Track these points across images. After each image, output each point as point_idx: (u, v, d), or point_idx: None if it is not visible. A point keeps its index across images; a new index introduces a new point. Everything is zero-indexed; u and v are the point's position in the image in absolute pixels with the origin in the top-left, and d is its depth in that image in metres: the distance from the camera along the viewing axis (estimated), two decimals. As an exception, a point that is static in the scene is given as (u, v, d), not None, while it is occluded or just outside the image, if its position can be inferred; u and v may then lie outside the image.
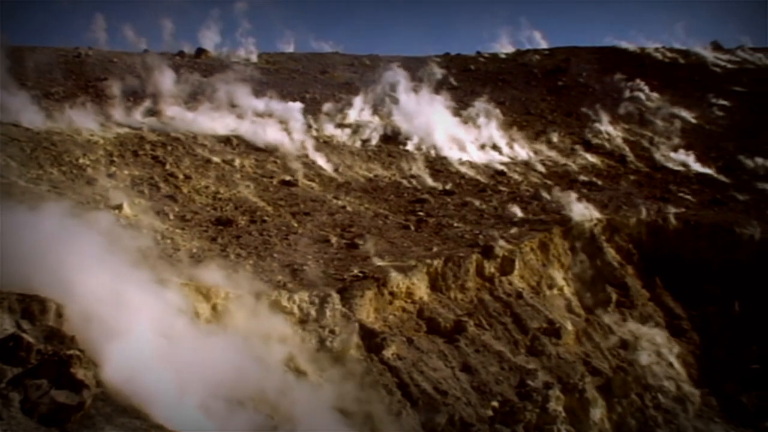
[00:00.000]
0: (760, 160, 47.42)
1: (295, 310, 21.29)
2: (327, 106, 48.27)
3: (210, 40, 64.75)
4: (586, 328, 27.52)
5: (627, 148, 50.41)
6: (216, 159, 35.36)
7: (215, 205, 30.31)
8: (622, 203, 35.91)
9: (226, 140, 38.22)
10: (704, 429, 24.61)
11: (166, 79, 45.38)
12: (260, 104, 43.99)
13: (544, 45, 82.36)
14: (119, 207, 25.87)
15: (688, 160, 47.71)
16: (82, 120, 35.12)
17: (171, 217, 27.51)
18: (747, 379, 27.24)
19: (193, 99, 42.91)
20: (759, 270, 30.85)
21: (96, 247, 16.28)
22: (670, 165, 47.17)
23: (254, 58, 63.66)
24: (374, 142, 44.52)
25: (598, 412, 22.95)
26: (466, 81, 61.79)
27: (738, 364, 27.95)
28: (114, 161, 31.95)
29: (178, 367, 14.49)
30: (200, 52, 61.79)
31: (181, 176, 32.25)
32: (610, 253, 31.73)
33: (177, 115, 39.66)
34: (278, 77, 54.99)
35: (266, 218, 29.63)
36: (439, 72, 60.89)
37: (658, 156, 48.76)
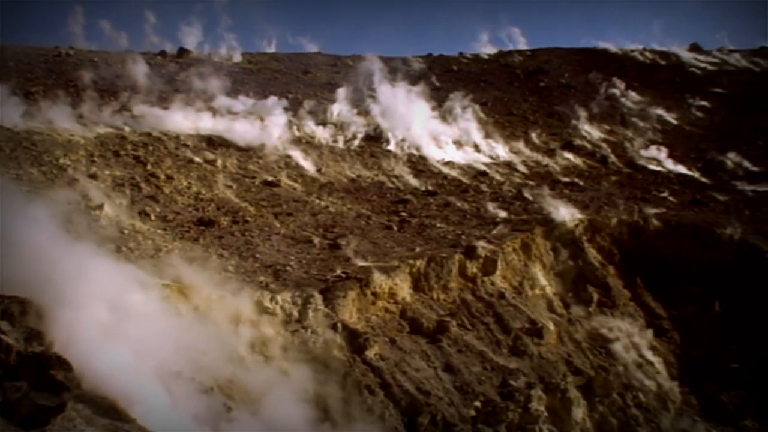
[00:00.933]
0: (739, 161, 47.85)
1: (278, 310, 21.24)
2: (309, 106, 48.20)
3: (192, 39, 64.56)
4: (568, 327, 27.61)
5: (608, 149, 50.65)
6: (198, 159, 35.23)
7: (197, 206, 30.20)
8: (603, 204, 36.05)
9: (208, 140, 38.10)
10: (685, 427, 24.74)
11: (147, 79, 45.18)
12: (242, 104, 43.87)
13: (526, 46, 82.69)
14: (100, 207, 25.75)
15: (668, 160, 48.03)
16: (63, 120, 34.91)
17: (152, 217, 27.39)
18: (727, 378, 27.40)
19: (174, 99, 42.69)
20: (738, 270, 31.07)
21: (78, 248, 16.18)
22: (651, 166, 47.45)
23: (236, 58, 63.52)
24: (357, 142, 44.52)
25: (579, 412, 23.02)
26: (449, 82, 61.94)
27: (718, 363, 28.12)
28: (95, 161, 31.78)
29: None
30: (182, 51, 61.56)
31: (162, 176, 32.11)
32: (592, 253, 31.84)
33: (158, 115, 39.47)
34: (261, 77, 54.91)
35: (248, 219, 29.55)
36: (421, 73, 60.98)
37: (638, 157, 49.03)
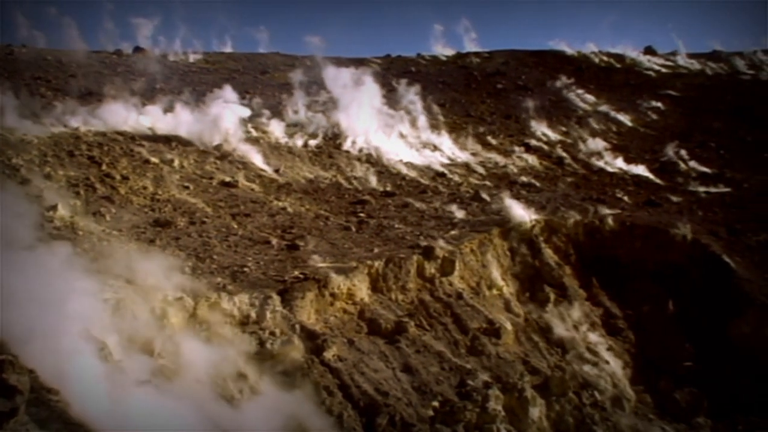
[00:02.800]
0: (692, 163, 48.72)
1: (235, 312, 21.09)
2: (267, 107, 48.03)
3: (148, 38, 64.07)
4: (525, 327, 27.77)
5: (564, 151, 51.20)
6: (154, 159, 34.85)
7: (153, 207, 29.85)
8: (560, 204, 36.38)
9: (164, 140, 37.73)
10: (639, 426, 25.00)
11: (103, 78, 44.66)
12: (200, 104, 43.50)
13: (483, 48, 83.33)
14: (54, 208, 25.35)
15: (623, 162, 48.70)
16: (15, 119, 34.31)
17: (108, 218, 27.02)
18: (680, 377, 27.80)
19: (130, 98, 42.20)
20: (691, 270, 31.59)
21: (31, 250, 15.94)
22: (607, 167, 48.06)
23: (192, 57, 63.12)
24: (315, 143, 44.46)
25: (536, 411, 23.13)
26: (407, 83, 62.04)
27: (672, 362, 28.50)
28: (48, 161, 31.25)
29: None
30: (138, 50, 61.03)
31: (118, 177, 31.70)
32: (548, 253, 32.09)
33: (114, 115, 39.01)
34: (218, 77, 54.56)
35: (206, 220, 29.30)
36: (379, 73, 61.08)
37: (594, 158, 49.63)
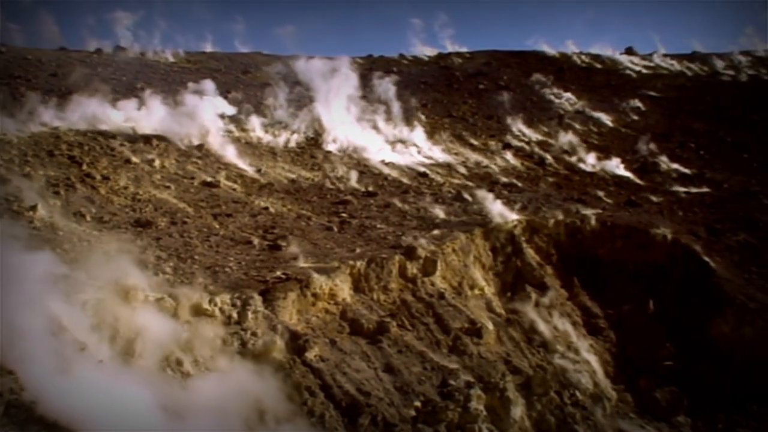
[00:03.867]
0: (672, 164, 49.03)
1: (217, 312, 21.03)
2: (249, 107, 47.89)
3: (128, 38, 63.78)
4: (507, 327, 27.85)
5: (546, 151, 51.37)
6: (135, 159, 34.69)
7: (134, 207, 29.70)
8: (541, 205, 36.52)
9: (145, 140, 37.53)
10: (620, 425, 25.17)
11: (83, 77, 44.37)
12: (181, 103, 43.25)
13: (464, 48, 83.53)
14: (33, 208, 25.18)
15: (604, 162, 48.90)
16: (-6, 118, 34.07)
17: (88, 218, 26.86)
18: (661, 376, 28.00)
19: (110, 97, 41.94)
20: (672, 269, 31.82)
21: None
22: (588, 167, 48.26)
23: (173, 56, 62.82)
24: (297, 143, 44.38)
25: (518, 410, 23.23)
26: (389, 83, 62.01)
27: (652, 361, 28.70)
28: (28, 161, 31.06)
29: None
30: (118, 49, 60.68)
31: (98, 177, 31.52)
32: (530, 253, 32.20)
33: (94, 114, 38.78)
34: (199, 77, 54.23)
35: (187, 220, 29.18)
36: (361, 74, 61.00)
37: (575, 158, 49.83)
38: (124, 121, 39.35)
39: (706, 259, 31.50)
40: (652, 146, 51.70)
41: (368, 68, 67.99)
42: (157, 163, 35.11)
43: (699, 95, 68.70)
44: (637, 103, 64.87)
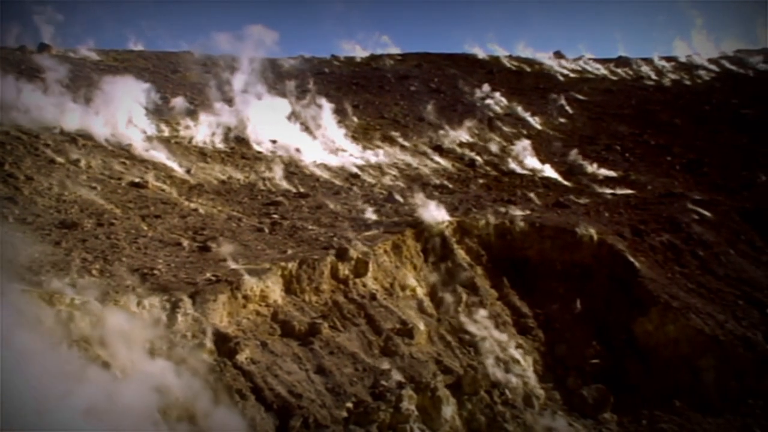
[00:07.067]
0: (598, 166, 50.05)
1: (145, 315, 20.65)
2: (178, 107, 47.26)
3: (52, 36, 62.35)
4: (438, 327, 28.02)
5: (476, 153, 51.92)
6: (60, 159, 33.88)
7: (59, 208, 28.98)
8: (471, 206, 36.87)
9: (71, 140, 36.68)
10: (548, 422, 25.49)
11: (5, 75, 43.10)
12: (107, 102, 42.35)
13: (396, 50, 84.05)
14: (-48, 209, 24.44)
15: (533, 164, 49.68)
16: None
17: (10, 220, 26.14)
18: (587, 374, 28.51)
19: (34, 96, 40.84)
20: (598, 269, 32.46)
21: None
22: (517, 169, 48.94)
23: (100, 55, 61.61)
24: (227, 143, 43.95)
25: (449, 410, 23.36)
26: (321, 84, 62.03)
27: (579, 359, 29.20)
28: (-54, 161, 30.13)
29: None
30: (43, 47, 59.28)
31: (21, 177, 30.68)
32: (461, 254, 32.46)
33: (18, 113, 37.72)
34: (127, 75, 53.25)
35: (114, 221, 28.60)
36: (293, 74, 60.81)
37: (505, 160, 50.48)
38: (48, 120, 38.34)
39: (631, 259, 32.21)
40: (579, 149, 52.73)
41: (300, 69, 67.82)
42: (83, 163, 34.34)
43: (624, 99, 70.42)
44: (565, 106, 66.11)
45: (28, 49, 59.15)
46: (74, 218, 27.80)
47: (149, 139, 40.13)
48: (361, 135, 51.65)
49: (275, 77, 55.03)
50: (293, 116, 49.54)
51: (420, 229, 32.24)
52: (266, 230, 30.87)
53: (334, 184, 40.82)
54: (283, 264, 25.83)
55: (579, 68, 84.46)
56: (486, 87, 68.14)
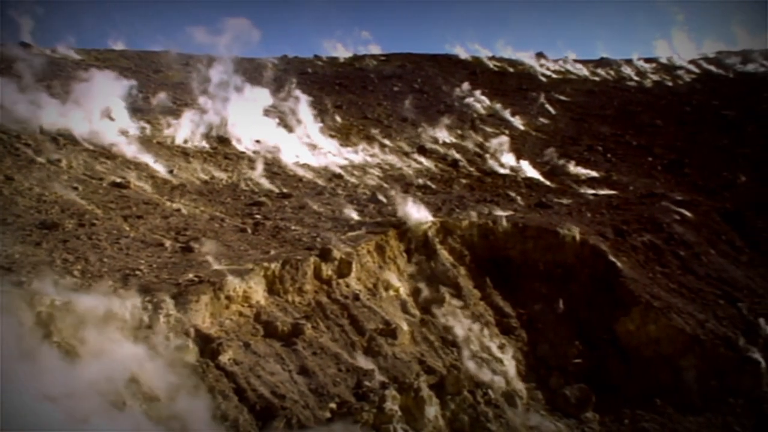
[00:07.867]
0: (580, 167, 50.30)
1: (127, 316, 20.52)
2: (160, 107, 47.03)
3: (32, 33, 61.95)
4: (421, 328, 28.04)
5: (459, 153, 52.02)
6: (41, 159, 33.61)
7: (40, 208, 28.74)
8: (455, 206, 36.91)
9: (52, 139, 36.37)
10: (531, 421, 25.64)
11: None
12: (90, 102, 42.04)
13: (379, 50, 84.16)
14: (-69, 210, 24.20)
15: (516, 164, 49.85)
16: None
17: (-10, 220, 25.94)
18: (570, 374, 28.67)
19: (14, 94, 40.49)
20: (581, 269, 32.63)
21: None
22: (500, 169, 49.08)
23: (81, 54, 61.22)
24: (210, 144, 43.78)
25: (432, 410, 23.40)
26: (304, 84, 61.90)
27: (562, 359, 29.35)
28: (-74, 161, 29.84)
29: None
30: (23, 46, 58.83)
31: (1, 177, 30.40)
32: (444, 254, 32.50)
33: (-3, 112, 37.40)
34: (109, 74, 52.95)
35: (95, 222, 28.40)
36: (275, 74, 60.69)
37: (488, 161, 50.62)
38: (28, 120, 38.02)
39: (613, 259, 32.42)
40: (562, 149, 52.96)
41: (283, 69, 67.70)
42: (63, 162, 34.09)
43: (606, 100, 70.82)
44: (548, 106, 66.38)
45: (7, 46, 58.67)
46: (55, 218, 27.57)
47: (131, 138, 39.85)
48: (345, 135, 51.61)
49: (258, 77, 54.83)
50: (276, 115, 49.44)
51: (403, 229, 32.25)
52: (249, 231, 30.76)
53: (317, 185, 40.76)
54: (266, 264, 25.74)
55: (561, 69, 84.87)
56: (467, 87, 68.36)
